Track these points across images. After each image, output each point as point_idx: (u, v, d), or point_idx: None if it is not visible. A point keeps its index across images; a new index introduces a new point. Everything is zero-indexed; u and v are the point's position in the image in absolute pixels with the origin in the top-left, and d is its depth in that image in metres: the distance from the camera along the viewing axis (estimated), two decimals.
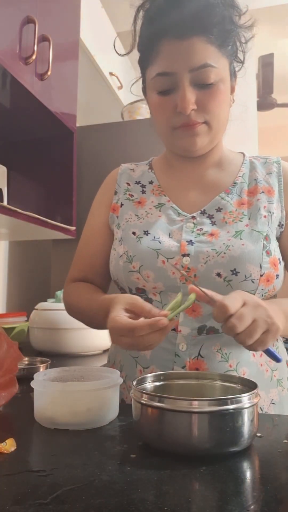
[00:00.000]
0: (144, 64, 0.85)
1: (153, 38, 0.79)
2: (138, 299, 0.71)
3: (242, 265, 0.77)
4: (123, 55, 0.91)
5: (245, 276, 0.78)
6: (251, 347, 0.66)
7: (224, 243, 0.80)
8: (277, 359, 0.70)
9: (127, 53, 0.90)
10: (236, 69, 0.87)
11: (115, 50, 0.98)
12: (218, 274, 0.78)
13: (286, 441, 0.61)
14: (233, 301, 0.64)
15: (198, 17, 0.75)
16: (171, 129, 0.83)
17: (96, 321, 0.88)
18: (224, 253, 0.79)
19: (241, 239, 0.80)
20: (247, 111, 2.51)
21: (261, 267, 0.78)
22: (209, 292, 0.66)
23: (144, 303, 0.70)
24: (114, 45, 1.03)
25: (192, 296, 0.67)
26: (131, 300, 0.71)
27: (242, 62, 0.87)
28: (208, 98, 0.79)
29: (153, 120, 0.87)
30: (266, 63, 2.97)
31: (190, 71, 0.77)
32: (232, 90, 0.86)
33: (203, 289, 0.66)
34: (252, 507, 0.42)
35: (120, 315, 0.67)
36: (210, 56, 0.77)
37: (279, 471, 0.51)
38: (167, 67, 0.78)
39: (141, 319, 0.65)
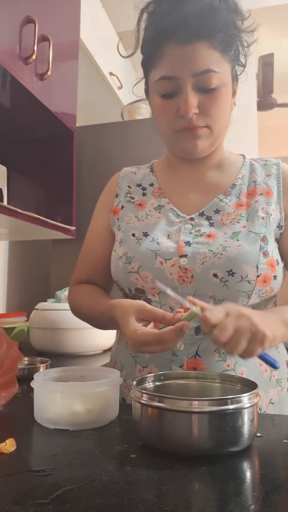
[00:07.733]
0: (147, 66, 0.85)
1: (157, 42, 0.79)
2: (145, 305, 0.72)
3: (238, 266, 0.78)
4: (126, 57, 0.91)
5: (241, 276, 0.78)
6: (241, 357, 0.67)
7: (221, 244, 0.80)
8: (274, 366, 0.69)
9: (130, 55, 0.90)
10: (238, 72, 0.87)
11: (119, 52, 0.97)
12: (215, 275, 0.79)
13: (286, 441, 0.61)
14: (215, 312, 0.65)
15: (203, 23, 0.76)
16: (173, 132, 0.83)
17: (101, 324, 0.92)
18: (221, 254, 0.79)
19: (238, 240, 0.81)
20: (247, 112, 2.51)
21: (257, 268, 0.78)
22: (204, 304, 0.68)
23: (154, 308, 0.71)
24: (118, 48, 1.03)
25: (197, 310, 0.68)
26: (140, 308, 0.72)
27: (244, 66, 0.87)
28: (210, 103, 0.79)
29: (156, 122, 0.88)
30: (266, 63, 2.98)
31: (193, 75, 0.77)
32: (234, 94, 0.87)
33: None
34: (252, 507, 0.42)
35: (139, 328, 0.69)
36: (213, 61, 0.77)
37: (279, 471, 0.51)
38: (170, 71, 0.78)
39: (168, 328, 0.66)
